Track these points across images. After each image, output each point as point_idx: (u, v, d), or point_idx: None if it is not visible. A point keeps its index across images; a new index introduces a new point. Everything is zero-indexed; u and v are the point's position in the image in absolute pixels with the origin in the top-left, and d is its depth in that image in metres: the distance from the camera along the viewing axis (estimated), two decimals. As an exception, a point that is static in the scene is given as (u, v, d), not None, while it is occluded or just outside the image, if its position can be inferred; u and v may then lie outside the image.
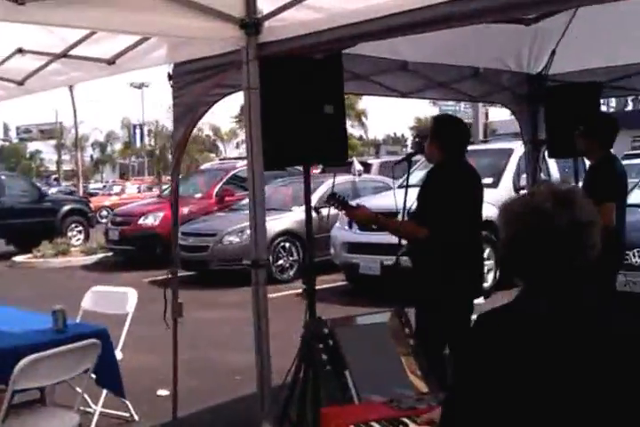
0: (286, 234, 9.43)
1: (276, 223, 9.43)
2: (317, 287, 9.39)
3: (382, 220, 3.91)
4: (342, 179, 10.67)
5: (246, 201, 10.98)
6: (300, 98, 3.24)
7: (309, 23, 2.96)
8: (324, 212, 9.72)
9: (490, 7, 2.53)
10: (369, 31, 2.85)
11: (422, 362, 2.58)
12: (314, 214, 10.43)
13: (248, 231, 8.80)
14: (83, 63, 3.91)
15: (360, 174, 10.79)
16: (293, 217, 9.50)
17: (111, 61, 3.81)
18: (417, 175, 9.95)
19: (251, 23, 3.05)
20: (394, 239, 7.67)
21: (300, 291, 8.55)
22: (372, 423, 2.10)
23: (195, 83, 3.42)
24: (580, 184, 5.59)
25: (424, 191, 3.80)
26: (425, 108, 57.21)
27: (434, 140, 3.82)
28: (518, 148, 8.48)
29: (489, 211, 6.49)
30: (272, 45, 3.08)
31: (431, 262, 3.68)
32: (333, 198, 3.71)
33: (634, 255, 5.95)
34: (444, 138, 3.80)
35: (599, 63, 5.28)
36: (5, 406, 2.98)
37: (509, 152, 8.78)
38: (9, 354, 3.21)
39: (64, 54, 3.86)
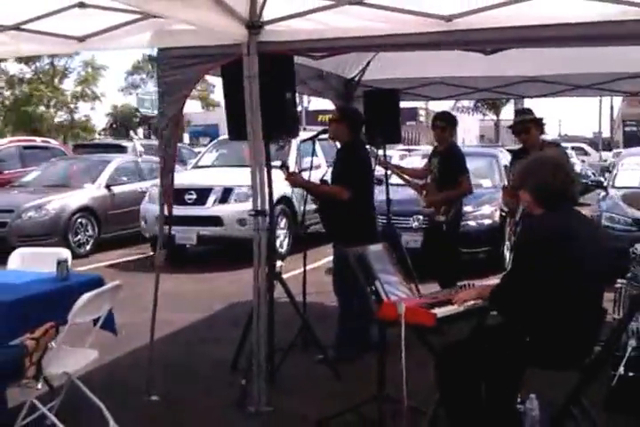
0: (83, 210, 9.61)
1: (72, 200, 9.60)
2: (127, 259, 9.92)
3: (313, 184, 4.93)
4: (127, 159, 11.14)
5: (30, 178, 10.80)
6: (269, 87, 4.15)
7: (306, 32, 3.89)
8: (116, 189, 10.18)
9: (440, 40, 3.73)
10: (354, 45, 3.91)
11: (405, 274, 3.75)
12: (106, 192, 10.90)
13: (47, 207, 9.07)
14: (42, 38, 4.21)
15: (141, 155, 11.29)
16: (88, 194, 9.73)
17: (82, 39, 4.23)
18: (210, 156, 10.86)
19: (256, 25, 3.87)
20: (205, 212, 8.62)
21: (107, 263, 8.94)
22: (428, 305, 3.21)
23: (189, 66, 4.04)
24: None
25: (342, 163, 4.89)
26: (123, 98, 57.35)
27: (343, 122, 4.90)
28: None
29: (285, 188, 7.89)
30: (269, 44, 3.93)
31: (344, 216, 4.76)
32: (284, 166, 4.65)
33: (413, 220, 7.82)
34: (352, 120, 4.94)
35: (400, 74, 6.87)
36: (61, 339, 3.43)
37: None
38: (23, 302, 3.57)
39: (17, 27, 4.15)
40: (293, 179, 4.79)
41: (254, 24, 3.86)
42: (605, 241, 3.17)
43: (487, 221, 8.25)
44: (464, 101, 23.45)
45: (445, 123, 6.08)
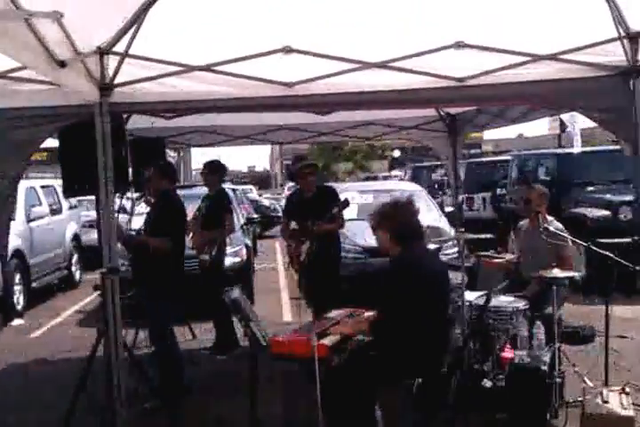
0: None
1: None
2: None
3: (145, 239, 5.06)
4: None
5: None
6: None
7: (156, 94, 4.11)
8: None
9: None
10: (202, 107, 4.24)
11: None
12: None
13: None
14: None
15: None
16: None
17: None
18: None
19: (108, 86, 3.99)
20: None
21: None
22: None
23: (34, 126, 3.95)
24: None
25: (161, 213, 5.11)
26: None
27: (161, 173, 5.17)
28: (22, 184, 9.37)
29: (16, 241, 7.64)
30: (120, 105, 4.07)
31: (161, 265, 4.97)
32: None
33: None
34: (167, 171, 5.24)
35: (161, 123, 7.13)
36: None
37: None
38: None
39: None
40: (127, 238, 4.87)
41: (106, 85, 3.99)
42: (446, 269, 3.95)
43: (235, 260, 8.79)
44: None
45: (208, 170, 6.60)
